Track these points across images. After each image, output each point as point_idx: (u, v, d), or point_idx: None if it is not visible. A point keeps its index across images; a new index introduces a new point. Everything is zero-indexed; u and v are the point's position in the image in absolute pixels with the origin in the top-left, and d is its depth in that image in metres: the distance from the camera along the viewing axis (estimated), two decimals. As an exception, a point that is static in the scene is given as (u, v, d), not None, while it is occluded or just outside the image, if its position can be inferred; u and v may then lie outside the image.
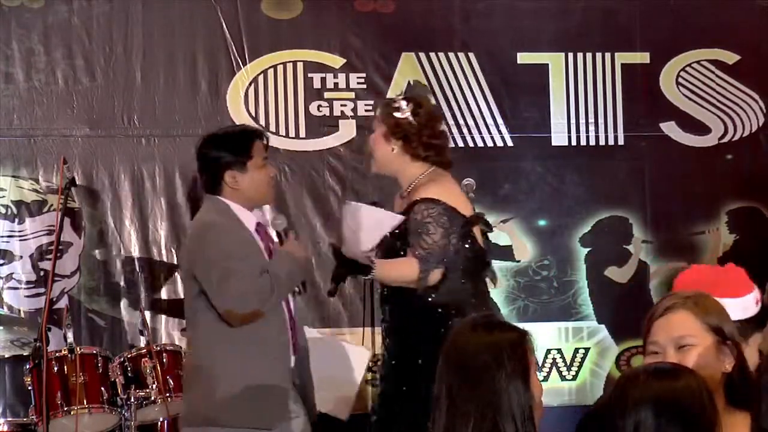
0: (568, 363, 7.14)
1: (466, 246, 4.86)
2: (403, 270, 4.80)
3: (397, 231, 4.87)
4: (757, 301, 3.66)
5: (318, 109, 6.95)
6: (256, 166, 4.84)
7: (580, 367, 7.14)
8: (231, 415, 4.68)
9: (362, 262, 4.82)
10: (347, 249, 4.88)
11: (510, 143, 7.14)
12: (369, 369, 5.10)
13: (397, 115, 4.87)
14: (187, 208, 6.84)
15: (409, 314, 4.86)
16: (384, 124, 4.93)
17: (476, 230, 4.92)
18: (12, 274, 6.68)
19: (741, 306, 3.49)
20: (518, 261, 7.15)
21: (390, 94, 6.99)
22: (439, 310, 4.81)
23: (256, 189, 4.85)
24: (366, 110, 6.97)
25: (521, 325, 3.13)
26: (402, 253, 4.84)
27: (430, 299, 4.81)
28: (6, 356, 5.87)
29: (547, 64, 7.20)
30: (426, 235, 4.75)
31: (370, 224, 4.80)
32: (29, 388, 5.61)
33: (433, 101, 6.93)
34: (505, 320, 3.18)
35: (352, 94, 7.01)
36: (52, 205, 6.63)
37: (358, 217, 4.85)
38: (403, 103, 4.89)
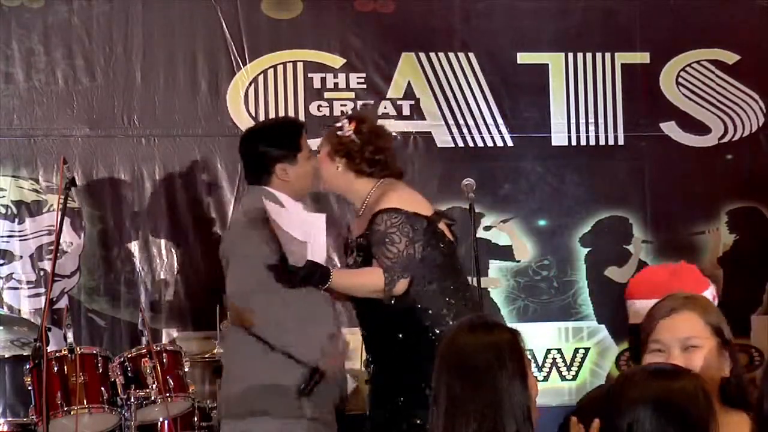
0: (568, 363, 7.14)
1: (441, 245, 4.86)
2: (366, 279, 4.77)
3: (362, 243, 4.86)
4: (714, 297, 3.68)
5: (318, 109, 6.95)
6: (304, 158, 4.90)
7: (580, 367, 7.14)
8: (271, 405, 4.70)
9: (314, 272, 4.71)
10: (296, 257, 4.72)
11: (510, 143, 7.14)
12: (366, 365, 5.08)
13: (339, 133, 4.91)
14: (188, 208, 6.85)
15: (401, 323, 4.83)
16: (328, 143, 4.98)
17: (442, 226, 4.93)
18: (12, 274, 6.69)
19: None
20: (518, 261, 7.15)
21: (390, 95, 7.01)
22: (430, 311, 4.80)
23: (304, 180, 4.91)
24: (366, 110, 6.98)
25: (520, 325, 3.13)
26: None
27: (419, 306, 4.80)
28: (6, 356, 5.87)
29: (547, 64, 7.20)
30: (390, 245, 4.75)
31: (312, 232, 4.73)
32: (29, 388, 5.60)
33: (431, 103, 6.97)
34: (498, 320, 3.19)
35: (352, 94, 7.02)
36: (52, 205, 6.64)
37: (301, 225, 4.74)
38: (345, 122, 4.95)
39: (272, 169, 4.87)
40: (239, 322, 4.77)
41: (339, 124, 4.96)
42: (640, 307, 3.50)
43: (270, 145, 4.91)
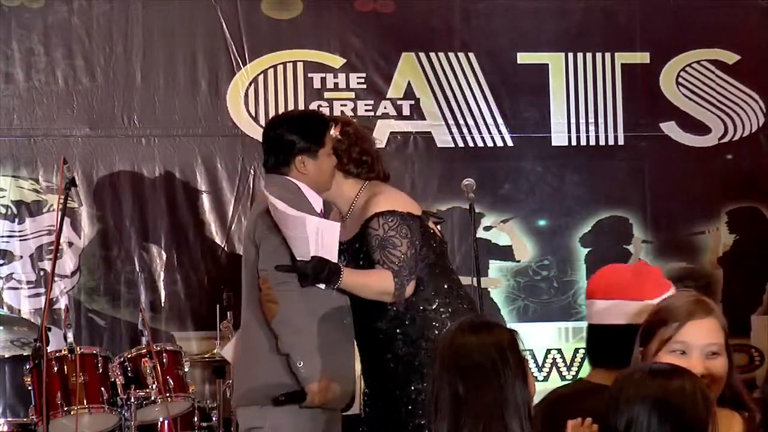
0: (568, 363, 7.14)
1: (434, 244, 4.86)
2: (377, 280, 4.72)
3: (356, 247, 4.84)
4: None
5: (318, 109, 6.94)
6: (325, 154, 4.88)
7: (580, 367, 7.13)
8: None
9: (323, 268, 4.64)
10: (301, 252, 4.62)
11: (510, 143, 7.14)
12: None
13: None
14: (188, 207, 6.85)
15: (398, 325, 4.81)
16: None
17: (431, 225, 4.93)
18: (12, 274, 6.69)
19: None
20: (518, 261, 7.15)
21: (390, 95, 7.02)
22: (427, 312, 4.78)
23: (320, 176, 4.88)
24: (366, 110, 6.99)
25: (520, 325, 3.14)
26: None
27: (416, 306, 4.77)
28: (6, 356, 5.87)
29: (547, 64, 7.20)
30: (393, 249, 4.71)
31: (322, 239, 4.68)
32: (29, 388, 5.60)
33: (431, 103, 6.97)
34: (496, 320, 3.19)
35: (352, 94, 7.02)
36: (52, 205, 6.65)
37: (307, 230, 4.69)
38: (331, 125, 4.93)
39: (292, 159, 4.85)
40: (261, 310, 4.71)
41: None
42: (601, 307, 3.49)
43: (294, 135, 4.88)
